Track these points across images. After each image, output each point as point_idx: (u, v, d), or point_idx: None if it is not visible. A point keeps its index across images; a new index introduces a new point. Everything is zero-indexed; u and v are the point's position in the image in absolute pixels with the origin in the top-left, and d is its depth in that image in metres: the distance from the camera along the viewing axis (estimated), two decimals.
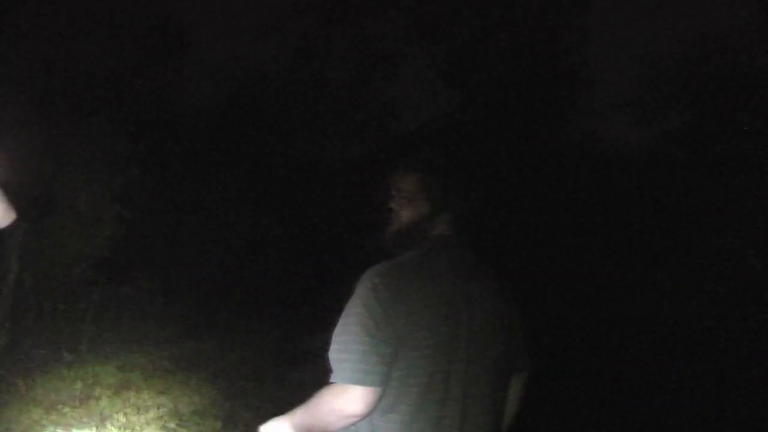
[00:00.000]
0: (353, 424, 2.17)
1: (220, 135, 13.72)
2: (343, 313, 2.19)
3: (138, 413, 5.88)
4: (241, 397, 6.67)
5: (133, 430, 5.49)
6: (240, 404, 6.46)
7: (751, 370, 7.12)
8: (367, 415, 2.14)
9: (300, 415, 2.19)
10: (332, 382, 2.13)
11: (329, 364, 2.17)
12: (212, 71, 15.17)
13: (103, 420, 5.63)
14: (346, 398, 2.10)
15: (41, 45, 8.51)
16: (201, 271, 10.60)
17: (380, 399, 2.12)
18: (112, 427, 5.47)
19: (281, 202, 13.09)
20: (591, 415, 6.28)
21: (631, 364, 8.05)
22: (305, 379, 7.54)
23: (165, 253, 10.62)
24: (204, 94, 15.17)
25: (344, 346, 2.14)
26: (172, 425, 5.76)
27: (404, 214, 2.33)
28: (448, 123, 14.94)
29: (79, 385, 6.35)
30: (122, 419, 5.70)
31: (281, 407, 6.33)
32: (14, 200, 3.48)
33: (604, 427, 6.00)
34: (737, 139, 11.95)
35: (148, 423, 5.69)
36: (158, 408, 6.06)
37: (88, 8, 9.98)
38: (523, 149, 13.76)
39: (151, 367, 7.27)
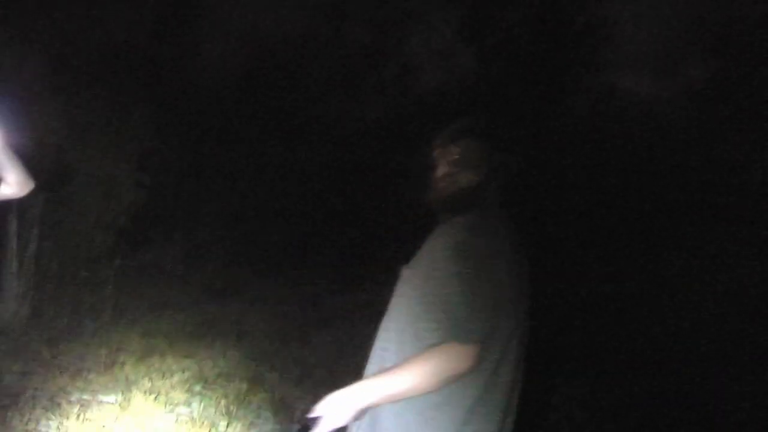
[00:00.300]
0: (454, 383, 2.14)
1: (239, 99, 13.64)
2: (445, 271, 2.16)
3: (163, 378, 5.88)
4: (265, 358, 6.67)
5: (158, 394, 5.48)
6: (265, 366, 6.46)
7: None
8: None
9: (381, 385, 2.14)
10: (434, 343, 2.10)
11: (418, 324, 2.17)
12: (229, 36, 15.07)
13: (128, 385, 5.64)
14: (460, 356, 2.09)
15: (59, 13, 8.41)
16: (221, 235, 10.60)
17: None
18: (138, 392, 5.47)
19: (301, 165, 13.03)
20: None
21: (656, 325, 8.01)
22: (329, 339, 7.55)
23: (185, 219, 10.62)
24: (221, 59, 15.07)
25: (455, 305, 2.11)
26: (197, 388, 5.77)
27: (462, 178, 2.36)
28: (469, 84, 14.77)
29: (103, 351, 6.36)
30: (148, 384, 5.70)
31: (306, 368, 6.33)
32: (33, 170, 3.44)
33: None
34: (760, 92, 11.70)
35: (173, 387, 5.69)
36: (183, 372, 6.07)
37: None
38: (543, 108, 13.57)
39: (174, 331, 7.28)
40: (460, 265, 2.14)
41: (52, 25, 8.44)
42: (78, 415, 4.98)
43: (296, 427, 2.11)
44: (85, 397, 5.38)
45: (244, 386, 5.85)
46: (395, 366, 2.14)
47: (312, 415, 2.09)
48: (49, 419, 4.92)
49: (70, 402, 5.24)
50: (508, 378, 2.25)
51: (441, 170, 2.41)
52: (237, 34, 15.14)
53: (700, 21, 13.43)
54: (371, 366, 2.37)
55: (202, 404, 5.43)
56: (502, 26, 15.31)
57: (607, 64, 14.53)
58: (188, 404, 5.43)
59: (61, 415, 4.98)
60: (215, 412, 5.29)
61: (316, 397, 5.72)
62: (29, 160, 3.45)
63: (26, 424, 4.82)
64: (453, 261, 2.15)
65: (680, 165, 11.58)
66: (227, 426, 5.06)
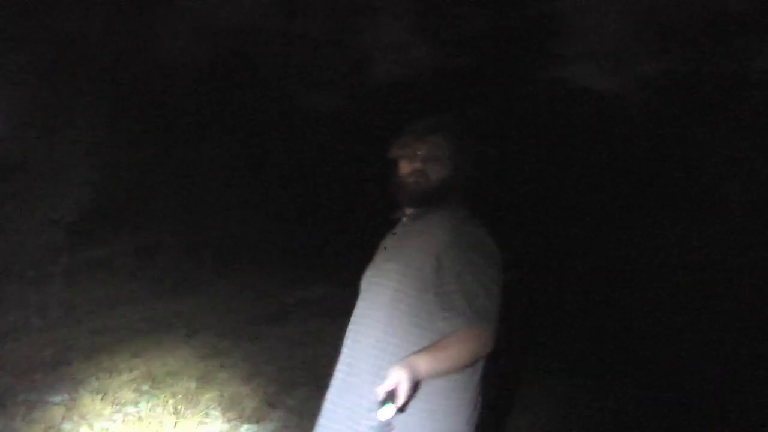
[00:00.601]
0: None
1: (193, 92, 13.48)
2: (468, 262, 2.36)
3: (110, 377, 5.84)
4: (215, 356, 6.65)
5: (105, 393, 5.45)
6: (214, 364, 6.44)
7: None
8: None
9: (429, 359, 2.28)
10: (462, 326, 2.31)
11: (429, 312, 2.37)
12: (185, 28, 14.86)
13: (75, 385, 5.60)
14: (486, 339, 2.34)
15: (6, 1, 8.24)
16: (171, 231, 10.51)
17: None
18: (85, 392, 5.43)
19: (258, 158, 12.95)
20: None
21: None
22: (279, 335, 7.55)
23: (135, 215, 10.49)
24: (177, 51, 14.87)
25: (475, 292, 2.33)
26: (145, 387, 5.74)
27: (432, 174, 2.51)
28: (424, 78, 14.78)
29: (50, 350, 6.30)
30: (95, 383, 5.66)
31: (257, 365, 6.32)
32: None
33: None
34: (713, 88, 11.89)
35: (120, 386, 5.65)
36: (131, 371, 6.03)
37: None
38: (500, 102, 13.65)
39: (123, 329, 7.23)
40: (470, 255, 2.37)
41: (5, 18, 8.29)
42: (24, 416, 4.94)
43: (380, 400, 2.18)
44: (31, 397, 5.32)
45: (193, 385, 5.83)
46: (435, 345, 2.30)
47: (388, 388, 2.19)
48: None
49: (16, 402, 5.18)
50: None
51: (409, 166, 2.53)
52: (193, 26, 14.94)
53: (651, 14, 13.56)
54: (359, 359, 2.51)
55: (150, 403, 5.41)
56: (456, 20, 15.36)
57: (562, 57, 14.65)
58: (136, 404, 5.40)
59: (6, 416, 4.92)
60: (163, 411, 5.27)
61: (267, 395, 5.72)
62: None
63: None
64: (462, 252, 2.37)
65: (636, 158, 11.75)
66: (175, 425, 5.05)
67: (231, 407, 5.46)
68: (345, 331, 2.66)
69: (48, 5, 8.75)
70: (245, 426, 5.21)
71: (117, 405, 5.31)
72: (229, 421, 5.24)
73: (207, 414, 5.31)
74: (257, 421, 5.29)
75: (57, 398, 5.34)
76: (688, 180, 10.83)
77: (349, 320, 2.65)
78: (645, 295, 8.82)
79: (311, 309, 8.42)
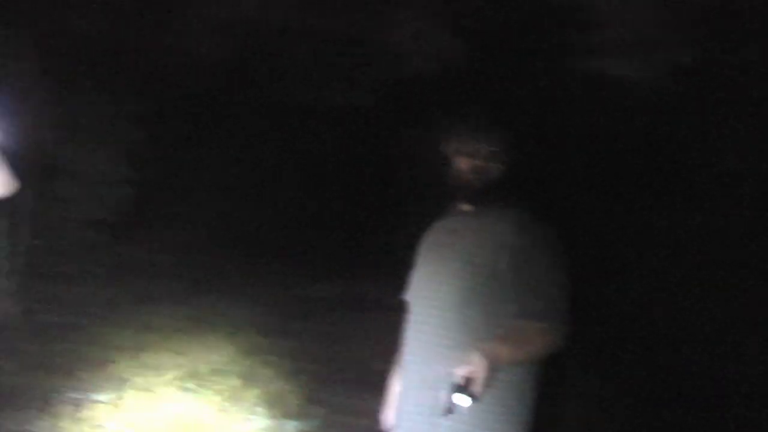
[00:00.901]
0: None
1: (224, 91, 13.54)
2: (539, 260, 2.41)
3: (155, 375, 5.87)
4: (257, 353, 6.65)
5: (151, 392, 5.48)
6: (257, 361, 6.44)
7: None
8: None
9: (505, 350, 2.33)
10: (534, 322, 2.37)
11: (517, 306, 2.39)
12: (213, 26, 14.93)
13: (121, 383, 5.63)
14: (557, 338, 2.41)
15: (41, 7, 8.33)
16: (210, 228, 10.55)
17: None
18: (130, 390, 5.46)
19: (286, 153, 12.97)
20: None
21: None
22: (320, 332, 7.52)
23: (173, 213, 10.56)
24: (206, 51, 14.95)
25: (556, 293, 2.41)
26: (190, 385, 5.76)
27: (493, 170, 2.51)
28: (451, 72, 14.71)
29: (95, 349, 6.34)
30: (140, 382, 5.69)
31: (298, 362, 6.33)
32: (20, 168, 3.42)
33: None
34: (753, 77, 11.66)
35: (166, 384, 5.68)
36: (175, 369, 6.05)
37: None
38: (530, 95, 13.52)
39: (165, 327, 7.24)
40: (542, 253, 2.42)
41: (35, 20, 8.38)
42: (71, 415, 4.98)
43: (454, 387, 2.20)
44: (77, 396, 5.36)
45: (237, 382, 5.84)
46: (510, 338, 2.35)
47: (465, 374, 2.20)
48: (41, 419, 4.91)
49: (62, 401, 5.23)
50: None
51: (468, 162, 2.51)
52: (221, 24, 15.00)
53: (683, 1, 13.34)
54: (427, 359, 2.49)
55: (195, 401, 5.43)
56: (481, 10, 15.23)
57: (591, 47, 14.47)
58: (181, 401, 5.43)
59: (53, 415, 4.97)
60: (209, 409, 5.29)
61: (309, 391, 5.73)
62: (15, 158, 3.43)
63: (19, 424, 4.81)
64: (534, 250, 2.41)
65: (670, 150, 11.57)
66: (221, 422, 5.07)
67: (275, 404, 5.47)
68: (402, 329, 2.66)
69: (74, 6, 8.83)
70: (289, 422, 5.23)
71: (162, 403, 5.33)
72: (273, 417, 5.25)
73: (252, 411, 5.33)
74: (301, 418, 5.30)
75: (103, 397, 5.37)
76: (726, 173, 10.63)
77: (405, 319, 2.65)
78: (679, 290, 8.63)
79: (350, 305, 8.39)
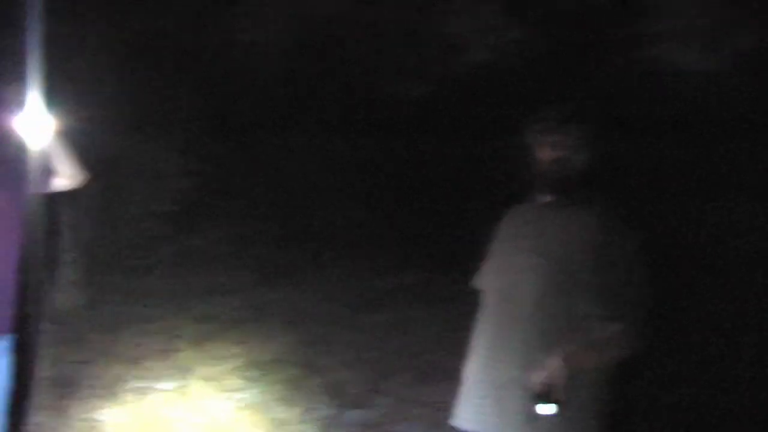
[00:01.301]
0: None
1: (283, 83, 13.59)
2: (621, 259, 2.37)
3: (218, 364, 5.91)
4: (316, 343, 6.65)
5: (214, 381, 5.52)
6: (319, 350, 6.44)
7: None
8: None
9: (582, 355, 2.31)
10: (614, 324, 2.32)
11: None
12: (271, 19, 14.97)
13: (183, 373, 5.68)
14: (635, 340, 2.36)
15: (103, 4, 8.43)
16: (269, 218, 10.61)
17: None
18: (193, 379, 5.51)
19: (347, 145, 12.98)
20: None
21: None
22: (377, 322, 7.49)
23: (233, 204, 10.65)
24: (264, 43, 15.01)
25: (636, 294, 2.37)
26: (252, 374, 5.78)
27: (577, 162, 2.48)
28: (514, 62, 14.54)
29: (157, 339, 6.42)
30: (203, 371, 5.74)
31: (357, 352, 6.32)
32: (84, 160, 3.46)
33: None
34: None
35: (228, 373, 5.72)
36: (237, 358, 6.09)
37: None
38: (592, 83, 13.29)
39: (226, 317, 7.30)
40: (631, 253, 2.38)
41: (99, 15, 8.48)
42: (135, 404, 5.04)
43: (536, 396, 2.19)
44: (141, 385, 5.43)
45: (298, 371, 5.85)
46: (590, 339, 2.32)
47: (544, 381, 2.19)
48: (107, 408, 4.97)
49: (126, 390, 5.29)
50: None
51: (552, 153, 2.47)
52: (280, 15, 15.01)
53: None
54: (505, 356, 2.43)
55: (258, 390, 5.46)
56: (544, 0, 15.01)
57: (652, 35, 14.15)
58: (244, 390, 5.45)
59: (118, 404, 5.03)
60: (271, 398, 5.31)
61: (369, 381, 5.72)
62: (81, 152, 3.47)
63: (84, 413, 4.88)
64: (617, 249, 2.37)
65: (735, 141, 11.30)
66: (283, 411, 5.08)
67: (335, 393, 5.46)
68: (472, 321, 2.61)
69: (138, 1, 8.91)
70: (350, 411, 5.21)
71: (226, 392, 5.37)
72: (334, 406, 5.25)
73: (313, 399, 5.32)
74: (361, 407, 5.28)
75: (167, 386, 5.43)
76: None
77: (477, 309, 2.60)
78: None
79: (406, 295, 8.35)
